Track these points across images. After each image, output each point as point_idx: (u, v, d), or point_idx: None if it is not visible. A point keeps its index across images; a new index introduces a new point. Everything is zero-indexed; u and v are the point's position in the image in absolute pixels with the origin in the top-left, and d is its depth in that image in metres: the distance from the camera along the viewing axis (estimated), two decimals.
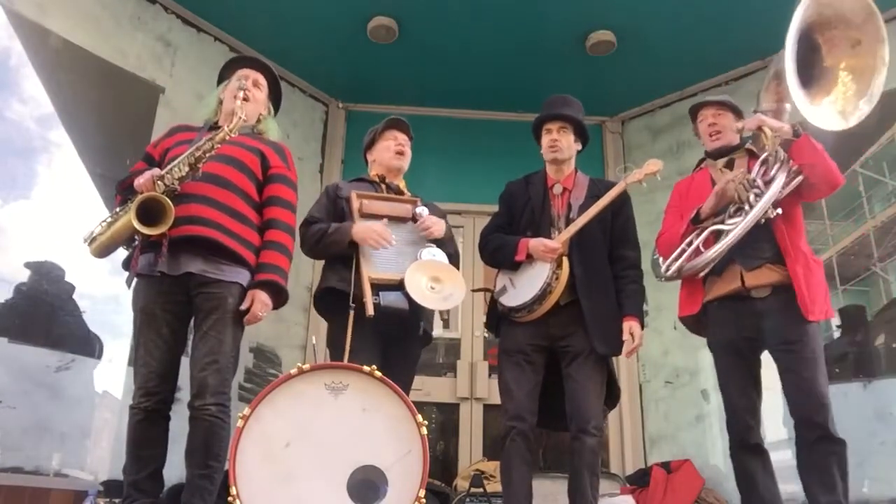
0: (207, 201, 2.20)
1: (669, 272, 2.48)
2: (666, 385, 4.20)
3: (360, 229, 2.48)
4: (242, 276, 2.25)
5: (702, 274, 2.41)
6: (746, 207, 2.33)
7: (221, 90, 2.52)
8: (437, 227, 2.59)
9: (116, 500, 2.85)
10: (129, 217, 2.08)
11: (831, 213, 3.72)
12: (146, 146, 2.49)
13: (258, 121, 2.49)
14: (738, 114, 2.63)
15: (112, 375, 3.30)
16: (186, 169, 2.15)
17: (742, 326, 2.38)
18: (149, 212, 2.10)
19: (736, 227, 2.31)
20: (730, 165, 2.57)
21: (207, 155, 2.17)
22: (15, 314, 2.99)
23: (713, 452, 3.89)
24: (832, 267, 3.59)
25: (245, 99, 2.38)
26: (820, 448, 2.20)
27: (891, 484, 2.91)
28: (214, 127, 2.41)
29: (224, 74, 2.59)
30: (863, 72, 2.37)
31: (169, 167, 2.16)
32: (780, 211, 2.30)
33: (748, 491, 2.37)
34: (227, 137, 2.20)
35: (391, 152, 2.72)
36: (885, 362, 3.31)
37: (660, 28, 4.03)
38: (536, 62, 4.36)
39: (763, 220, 2.32)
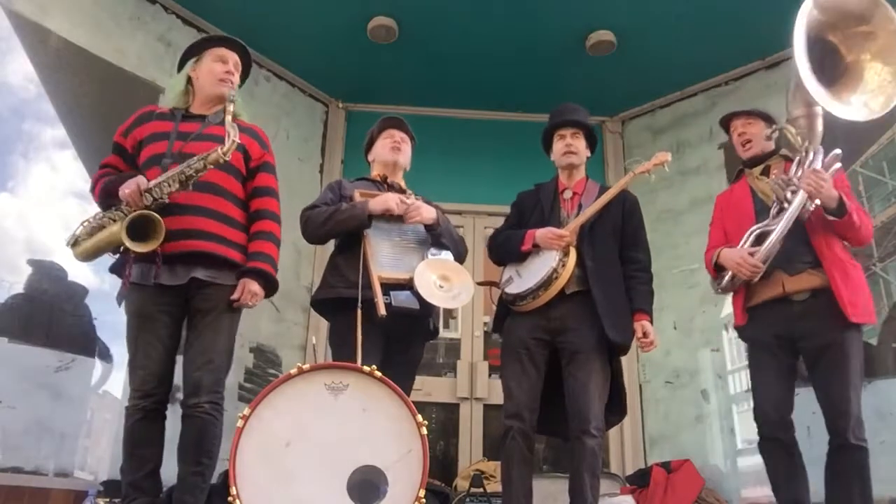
0: (201, 211, 2.20)
1: (724, 284, 2.53)
2: (666, 385, 4.19)
3: (378, 200, 2.49)
4: (235, 278, 2.26)
5: (755, 279, 2.43)
6: (785, 205, 2.38)
7: (191, 68, 2.41)
8: (424, 210, 2.57)
9: (116, 500, 2.85)
10: (119, 232, 2.07)
11: None
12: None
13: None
14: (769, 120, 2.64)
15: (112, 375, 3.30)
16: (177, 186, 2.13)
17: (778, 326, 2.41)
18: (138, 226, 2.09)
19: (778, 225, 2.36)
20: (766, 172, 2.59)
21: (199, 174, 2.14)
22: (15, 314, 2.99)
23: (713, 452, 3.90)
24: None
25: (230, 82, 2.35)
26: (838, 456, 2.25)
27: (891, 484, 2.91)
28: (188, 115, 2.35)
29: (191, 53, 2.45)
30: (888, 53, 2.40)
31: (158, 181, 2.12)
32: (818, 202, 2.34)
33: (774, 485, 2.41)
34: (221, 161, 2.15)
35: (387, 149, 2.72)
36: (885, 362, 3.31)
37: (660, 28, 4.03)
38: (536, 62, 4.36)
39: (806, 216, 2.37)
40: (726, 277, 2.51)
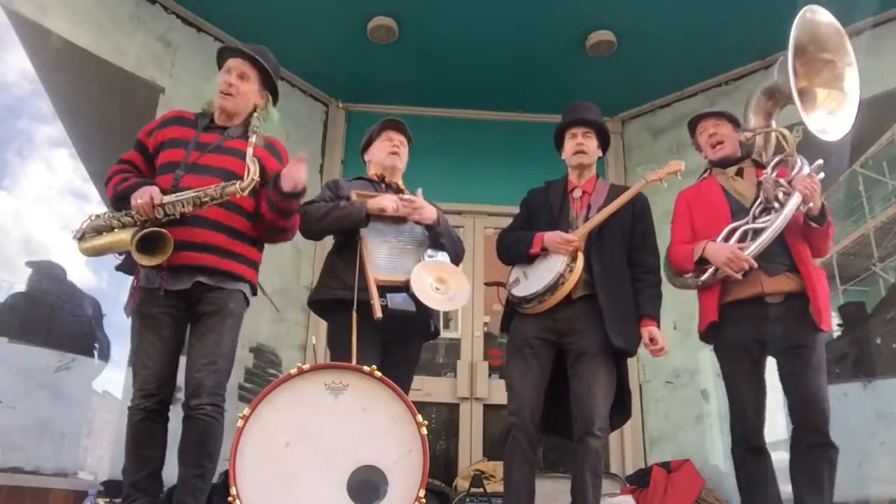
0: (209, 224, 2.21)
1: (705, 278, 2.49)
2: (666, 385, 4.19)
3: (376, 200, 2.49)
4: (242, 286, 2.29)
5: (741, 276, 2.41)
6: (776, 205, 2.40)
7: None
8: (427, 210, 2.58)
9: (117, 500, 2.85)
10: (128, 241, 2.08)
11: (831, 213, 3.71)
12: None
13: (253, 113, 2.37)
14: (737, 123, 2.68)
15: (112, 375, 3.30)
16: (190, 207, 2.14)
17: (753, 328, 2.42)
18: (147, 239, 2.10)
19: (772, 224, 2.37)
20: (740, 174, 2.62)
21: (214, 202, 2.16)
22: (15, 314, 2.99)
23: (713, 452, 3.89)
24: (832, 267, 3.58)
25: (228, 94, 2.34)
26: (815, 453, 2.27)
27: (891, 484, 2.91)
28: (210, 125, 2.37)
29: (218, 63, 2.47)
30: (839, 82, 2.55)
31: (172, 199, 2.13)
32: (812, 204, 2.37)
33: (748, 494, 2.40)
34: (238, 196, 2.16)
35: (385, 152, 2.72)
36: (885, 362, 3.31)
37: (660, 28, 4.03)
38: (536, 62, 4.36)
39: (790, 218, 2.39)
40: (708, 272, 2.48)
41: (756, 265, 2.38)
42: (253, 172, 2.15)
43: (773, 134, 2.60)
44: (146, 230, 2.09)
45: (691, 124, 2.79)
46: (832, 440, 2.26)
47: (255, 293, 2.38)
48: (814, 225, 2.39)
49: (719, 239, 2.46)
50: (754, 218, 2.44)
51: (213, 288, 2.20)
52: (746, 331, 2.43)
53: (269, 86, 2.46)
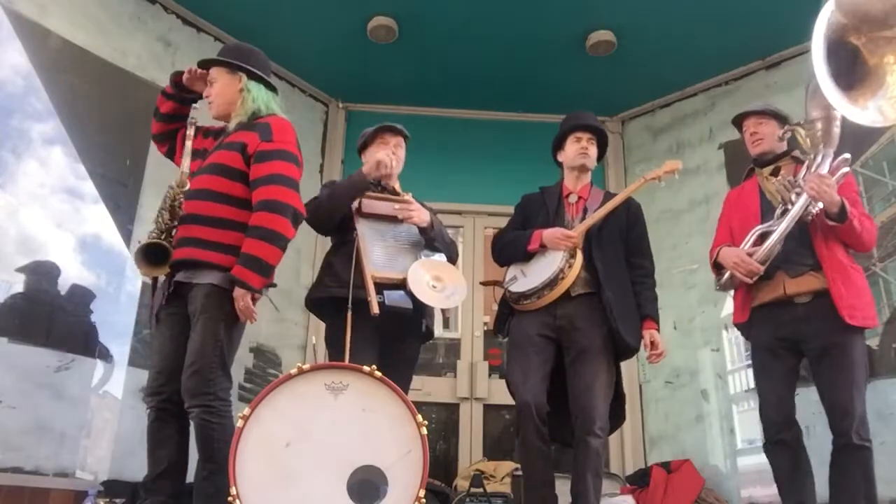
0: (191, 219, 2.23)
1: (722, 282, 2.53)
2: (666, 385, 4.19)
3: (371, 161, 2.56)
4: (213, 276, 2.18)
5: (753, 280, 2.42)
6: (790, 206, 2.39)
7: None
8: (421, 213, 2.60)
9: (117, 501, 2.86)
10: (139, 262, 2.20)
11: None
12: (145, 146, 2.52)
13: (242, 102, 2.39)
14: (782, 120, 2.63)
15: (112, 375, 3.30)
16: (168, 214, 2.23)
17: (781, 328, 2.41)
18: (151, 252, 2.18)
19: (779, 227, 2.37)
20: (775, 173, 2.58)
21: (175, 203, 2.23)
22: (15, 314, 2.99)
23: (713, 452, 3.89)
24: None
25: (210, 105, 2.43)
26: (843, 455, 2.26)
27: (891, 484, 2.91)
28: (222, 129, 2.46)
29: None
30: None
31: (156, 217, 2.25)
32: (821, 205, 2.34)
33: (781, 487, 2.41)
34: (180, 192, 2.23)
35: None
36: (885, 362, 3.31)
37: (660, 28, 4.03)
38: (536, 62, 4.36)
39: (809, 218, 2.37)
40: (725, 276, 2.51)
41: (762, 270, 2.38)
42: (184, 166, 2.24)
43: (797, 131, 2.53)
44: (144, 243, 2.18)
45: (736, 121, 2.76)
46: (862, 442, 2.24)
47: None
48: (831, 223, 2.35)
49: (744, 241, 2.46)
50: (776, 220, 2.44)
51: (190, 286, 2.19)
52: (774, 330, 2.43)
53: (240, 69, 2.43)
